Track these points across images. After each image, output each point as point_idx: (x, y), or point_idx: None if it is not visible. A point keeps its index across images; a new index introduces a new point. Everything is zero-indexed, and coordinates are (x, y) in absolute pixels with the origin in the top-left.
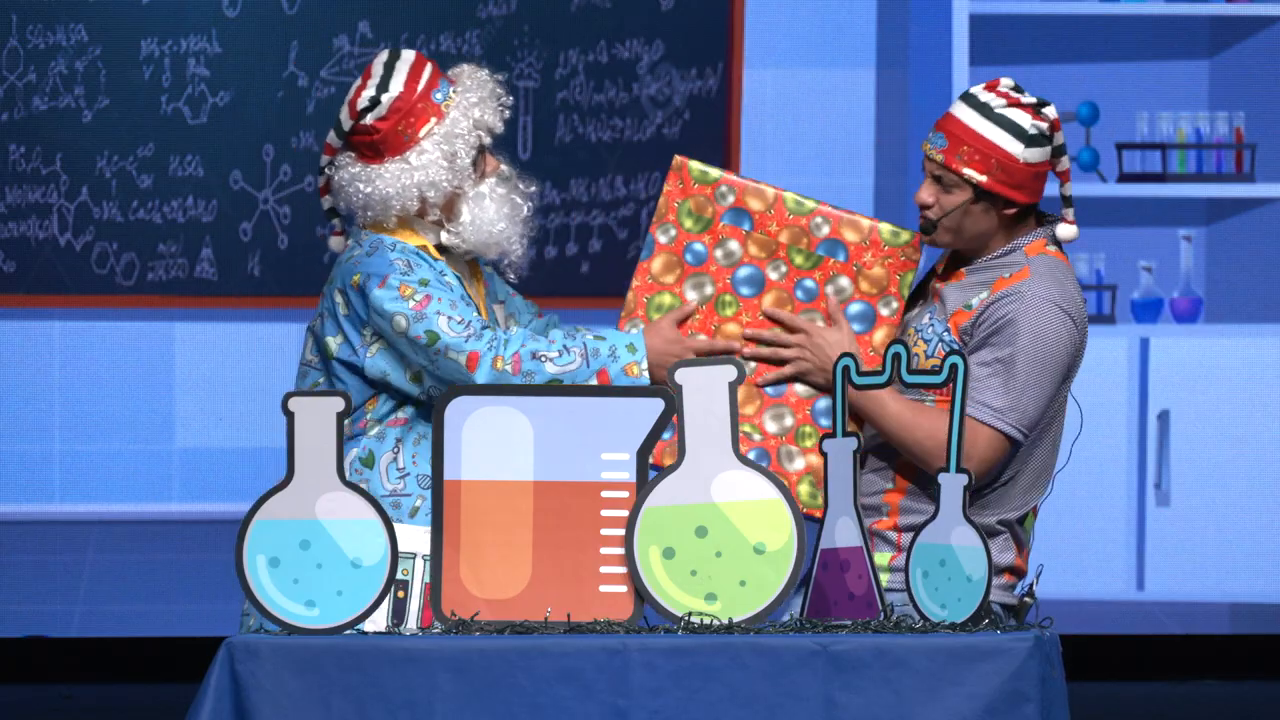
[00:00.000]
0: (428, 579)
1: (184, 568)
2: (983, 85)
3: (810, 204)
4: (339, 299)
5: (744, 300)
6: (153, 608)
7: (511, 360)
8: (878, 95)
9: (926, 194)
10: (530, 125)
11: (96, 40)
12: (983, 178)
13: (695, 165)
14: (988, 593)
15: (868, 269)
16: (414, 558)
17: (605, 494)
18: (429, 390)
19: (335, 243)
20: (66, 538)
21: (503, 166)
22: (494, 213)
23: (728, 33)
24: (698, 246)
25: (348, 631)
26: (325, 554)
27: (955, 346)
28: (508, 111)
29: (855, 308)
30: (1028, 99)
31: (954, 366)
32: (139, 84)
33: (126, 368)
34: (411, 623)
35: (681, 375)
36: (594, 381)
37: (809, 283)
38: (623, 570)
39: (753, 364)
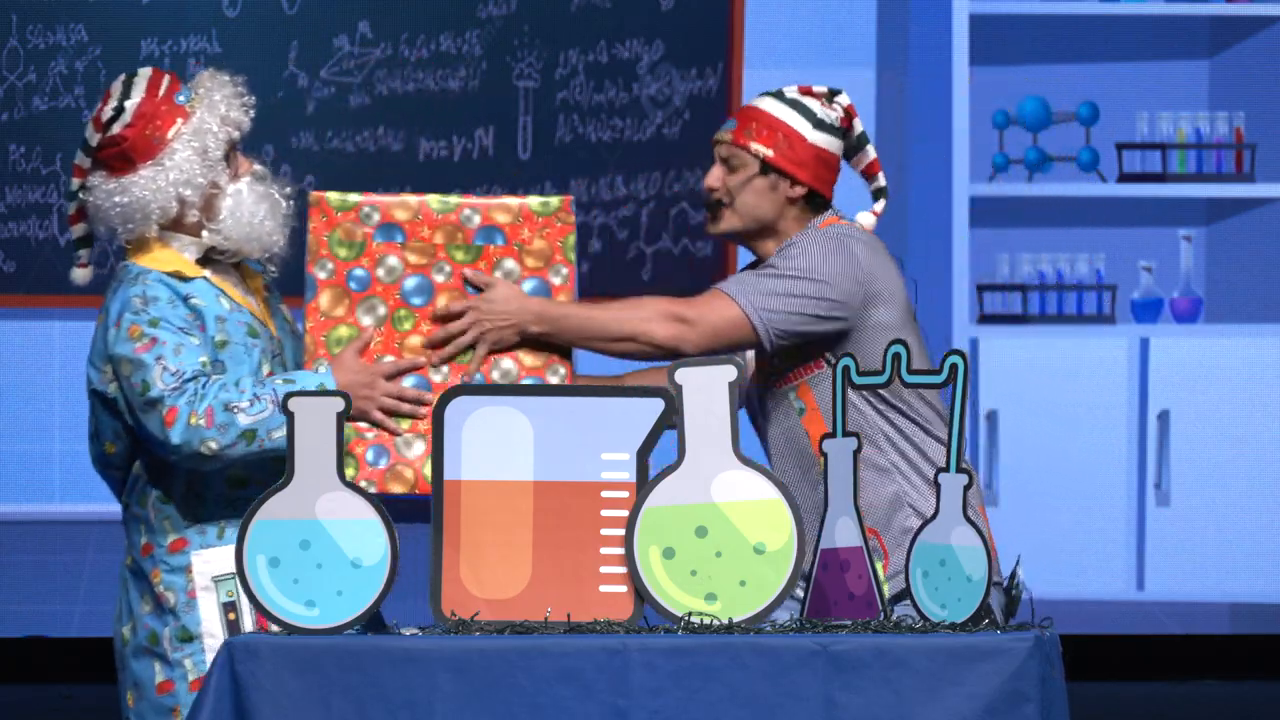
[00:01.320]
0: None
1: None
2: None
3: (455, 199)
4: (97, 333)
5: (419, 310)
6: None
7: (205, 414)
8: (878, 95)
9: (713, 178)
10: (530, 125)
11: (96, 40)
12: (769, 151)
13: (333, 195)
14: (988, 593)
15: (529, 245)
16: (233, 578)
17: (605, 494)
18: (137, 434)
19: (79, 275)
20: (66, 538)
21: (256, 166)
22: (253, 206)
23: (728, 33)
24: (358, 272)
25: (348, 631)
26: (325, 554)
27: None
28: (251, 110)
29: (528, 285)
30: (820, 89)
31: (954, 366)
32: None
33: None
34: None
35: (681, 375)
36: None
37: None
38: (623, 570)
39: (446, 369)
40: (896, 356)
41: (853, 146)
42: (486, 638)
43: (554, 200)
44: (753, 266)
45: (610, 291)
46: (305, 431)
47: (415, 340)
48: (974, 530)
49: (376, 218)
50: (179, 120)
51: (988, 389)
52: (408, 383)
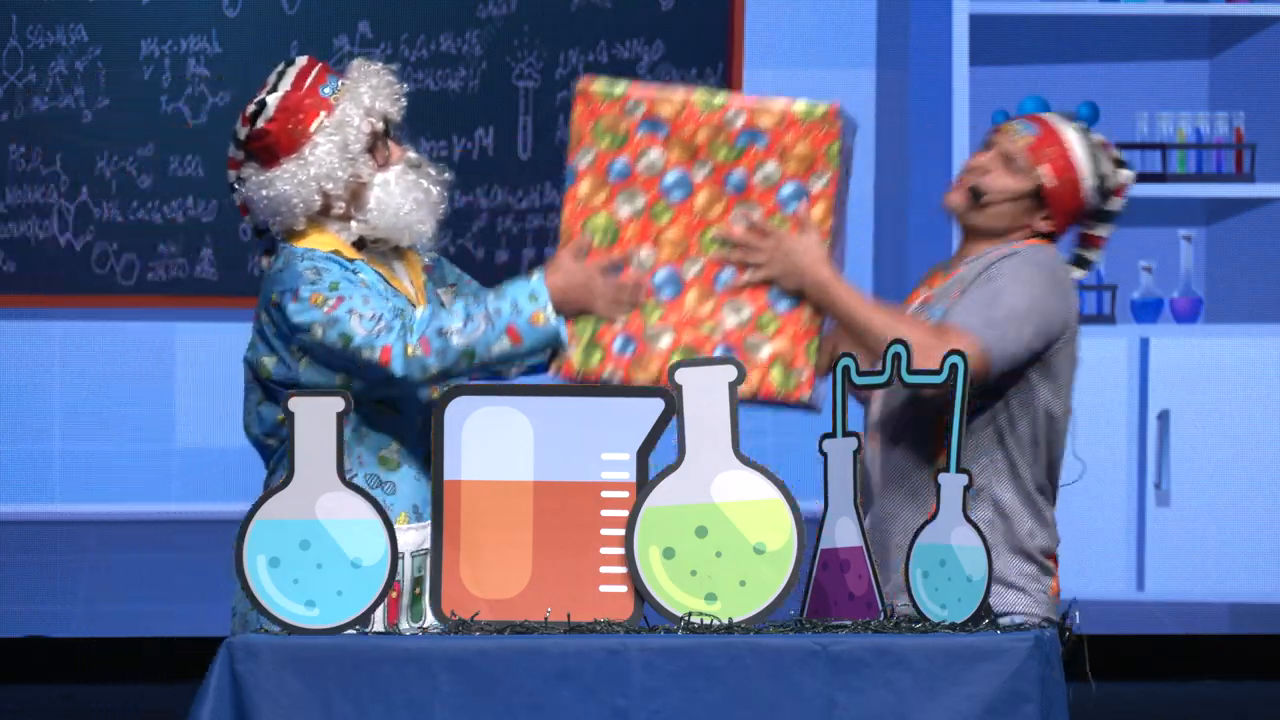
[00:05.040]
0: (417, 574)
1: (184, 568)
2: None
3: (721, 98)
4: (265, 318)
5: (677, 205)
6: (153, 608)
7: (420, 343)
8: (878, 95)
9: (989, 160)
10: (530, 125)
11: (96, 40)
12: (1054, 182)
13: (599, 84)
14: (988, 593)
15: (791, 149)
16: (403, 556)
17: (605, 494)
18: (358, 393)
19: (266, 263)
20: (66, 538)
21: (410, 153)
22: (400, 198)
23: (728, 33)
24: (619, 163)
25: (348, 631)
26: (325, 554)
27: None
28: (402, 99)
29: (787, 189)
30: (1116, 153)
31: (954, 366)
32: (139, 84)
33: (126, 368)
34: (403, 620)
35: (681, 375)
36: (505, 341)
37: (736, 174)
38: (623, 570)
39: (701, 265)
40: (896, 356)
41: (1099, 214)
42: (486, 638)
43: (820, 107)
44: (942, 267)
45: None
46: (305, 431)
47: (672, 234)
48: (974, 530)
49: (641, 111)
50: (322, 113)
51: None
52: (659, 277)
